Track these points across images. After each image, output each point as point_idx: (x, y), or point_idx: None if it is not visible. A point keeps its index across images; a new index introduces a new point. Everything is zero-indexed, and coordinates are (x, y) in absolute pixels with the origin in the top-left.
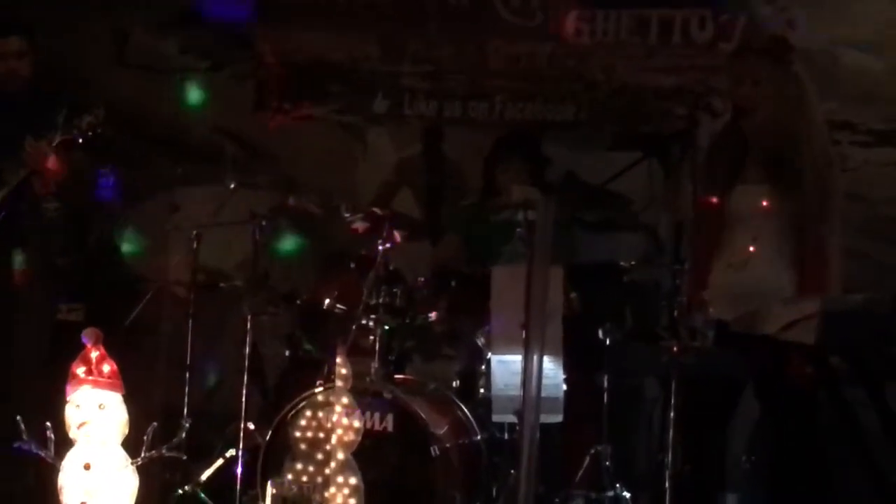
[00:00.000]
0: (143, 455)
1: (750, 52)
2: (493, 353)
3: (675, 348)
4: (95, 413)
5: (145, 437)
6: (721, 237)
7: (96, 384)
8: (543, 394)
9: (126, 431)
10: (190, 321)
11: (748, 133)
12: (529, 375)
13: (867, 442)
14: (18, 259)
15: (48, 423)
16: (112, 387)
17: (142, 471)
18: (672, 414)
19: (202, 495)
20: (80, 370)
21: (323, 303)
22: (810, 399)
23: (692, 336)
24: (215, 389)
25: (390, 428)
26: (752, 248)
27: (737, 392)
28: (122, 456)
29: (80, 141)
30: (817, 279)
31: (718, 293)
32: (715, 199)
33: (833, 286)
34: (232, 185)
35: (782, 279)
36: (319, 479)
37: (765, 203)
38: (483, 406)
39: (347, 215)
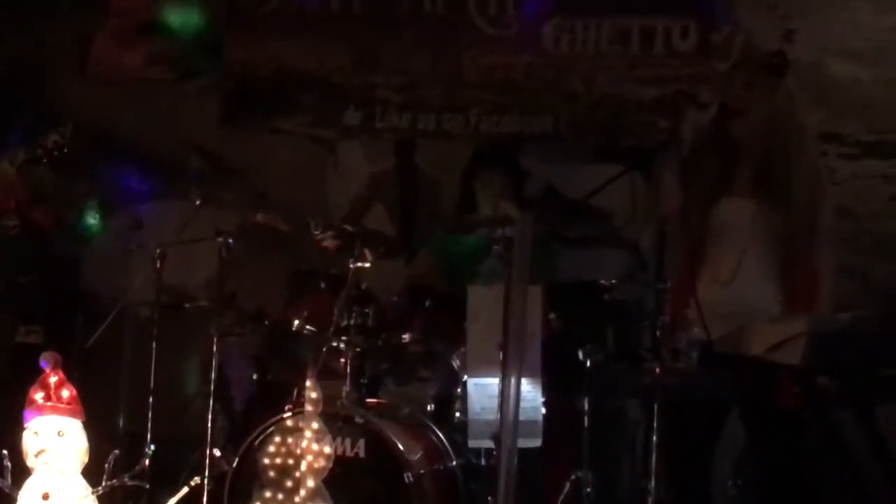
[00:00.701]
0: (104, 484)
1: (746, 66)
2: (469, 376)
3: (657, 370)
4: (54, 440)
5: (106, 465)
6: (705, 252)
7: (55, 410)
8: (522, 417)
9: (86, 459)
10: (153, 343)
11: (737, 138)
12: (507, 398)
13: (856, 464)
14: None
15: (4, 451)
16: (72, 413)
17: (103, 500)
18: (655, 437)
19: None
20: (39, 396)
21: (292, 324)
22: (797, 421)
23: (675, 357)
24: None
25: (362, 454)
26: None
27: (723, 414)
28: (83, 485)
29: (45, 160)
30: (806, 296)
31: (704, 312)
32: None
33: (823, 303)
34: (197, 201)
35: (769, 296)
36: None
37: (752, 218)
38: (459, 430)
39: (317, 232)
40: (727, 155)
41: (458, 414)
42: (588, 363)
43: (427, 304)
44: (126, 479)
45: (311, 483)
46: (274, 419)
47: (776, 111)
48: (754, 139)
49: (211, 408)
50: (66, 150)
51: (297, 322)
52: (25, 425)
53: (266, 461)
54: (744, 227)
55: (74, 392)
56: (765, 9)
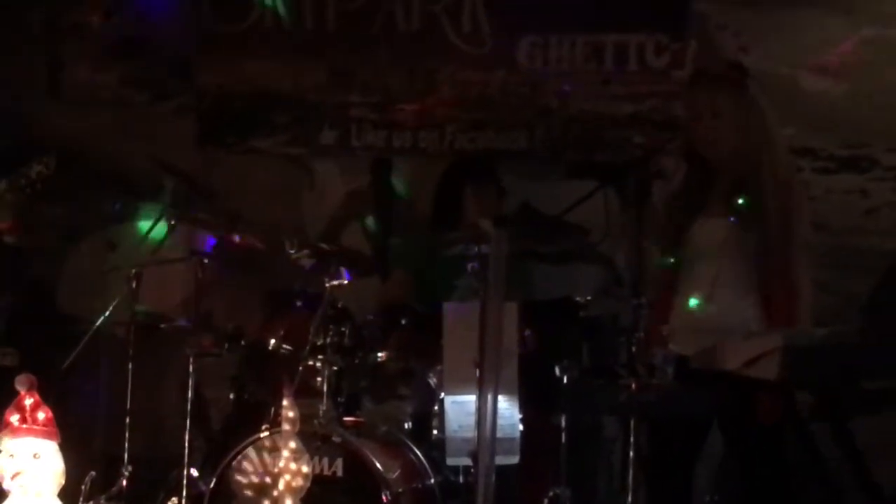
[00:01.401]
0: None
1: (705, 79)
2: (446, 394)
3: (633, 386)
4: (30, 463)
5: (83, 487)
6: (682, 270)
7: (30, 432)
8: (499, 434)
9: (63, 481)
10: (130, 364)
11: (713, 167)
12: (484, 416)
13: (834, 478)
14: None
15: None
16: (47, 435)
17: None
18: (632, 454)
19: None
20: (14, 418)
21: (269, 343)
22: (776, 435)
23: (651, 373)
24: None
25: (340, 473)
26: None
27: (700, 430)
28: None
29: (29, 192)
30: (786, 313)
31: (681, 328)
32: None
33: (804, 320)
34: (172, 222)
35: (747, 314)
36: None
37: (729, 236)
38: (437, 448)
39: (293, 251)
40: (700, 180)
41: (435, 432)
42: (565, 379)
43: (403, 321)
44: (103, 501)
45: (288, 502)
46: (251, 438)
47: (747, 129)
48: (726, 161)
49: (188, 428)
50: (50, 181)
51: (273, 341)
52: (0, 448)
53: (243, 481)
54: (720, 247)
55: (50, 414)
56: (735, 23)
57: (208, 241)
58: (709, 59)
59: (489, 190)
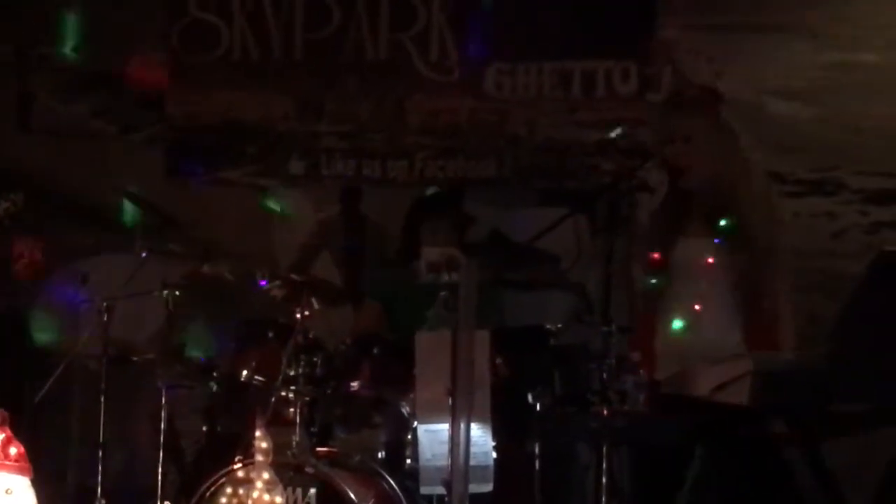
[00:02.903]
0: None
1: (678, 105)
2: (419, 422)
3: (605, 412)
4: (2, 498)
5: None
6: (665, 294)
7: (2, 468)
8: (472, 462)
9: None
10: (102, 397)
11: (687, 191)
12: (457, 444)
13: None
14: None
15: None
16: (19, 470)
17: None
18: (605, 480)
19: None
20: None
21: (241, 374)
22: (747, 459)
23: (622, 399)
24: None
25: (313, 503)
26: (697, 307)
27: (673, 455)
28: None
29: None
30: (768, 338)
31: (666, 354)
32: (658, 256)
33: (785, 343)
34: (143, 254)
35: (733, 340)
36: None
37: (710, 259)
38: (410, 477)
39: (264, 283)
40: (678, 203)
41: (409, 460)
42: (537, 407)
43: (375, 351)
44: None
45: None
46: (224, 470)
47: (719, 155)
48: (704, 187)
49: (161, 460)
50: (18, 219)
51: (245, 372)
52: None
53: None
54: (703, 268)
55: (22, 449)
56: (700, 50)
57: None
58: (680, 85)
59: (443, 223)
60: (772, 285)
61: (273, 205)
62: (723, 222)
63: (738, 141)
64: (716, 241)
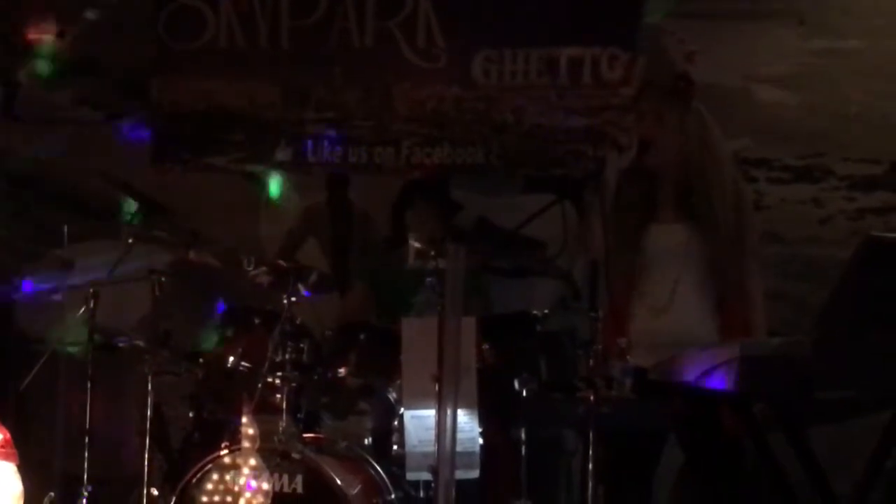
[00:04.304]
0: None
1: (653, 90)
2: (405, 409)
3: (591, 398)
4: None
5: None
6: (639, 280)
7: None
8: (459, 448)
9: (22, 503)
10: (88, 383)
11: (654, 169)
12: (444, 430)
13: (792, 489)
14: None
15: None
16: (6, 456)
17: None
18: (591, 466)
19: None
20: None
21: (227, 361)
22: (734, 446)
23: (609, 385)
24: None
25: (300, 489)
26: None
27: (659, 441)
28: None
29: None
30: (741, 323)
31: (640, 340)
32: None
33: (758, 329)
34: (129, 240)
35: (707, 324)
36: None
37: (682, 245)
38: (397, 463)
39: (250, 268)
40: (646, 185)
41: (395, 447)
42: (524, 393)
43: (362, 337)
44: None
45: None
46: (211, 457)
47: (688, 137)
48: (669, 167)
49: (147, 447)
50: None
51: (232, 359)
52: None
53: (204, 499)
54: (676, 254)
55: (8, 435)
56: (688, 35)
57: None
58: (658, 72)
59: (429, 210)
60: (742, 271)
61: (268, 189)
62: (695, 208)
63: (707, 126)
64: (689, 225)
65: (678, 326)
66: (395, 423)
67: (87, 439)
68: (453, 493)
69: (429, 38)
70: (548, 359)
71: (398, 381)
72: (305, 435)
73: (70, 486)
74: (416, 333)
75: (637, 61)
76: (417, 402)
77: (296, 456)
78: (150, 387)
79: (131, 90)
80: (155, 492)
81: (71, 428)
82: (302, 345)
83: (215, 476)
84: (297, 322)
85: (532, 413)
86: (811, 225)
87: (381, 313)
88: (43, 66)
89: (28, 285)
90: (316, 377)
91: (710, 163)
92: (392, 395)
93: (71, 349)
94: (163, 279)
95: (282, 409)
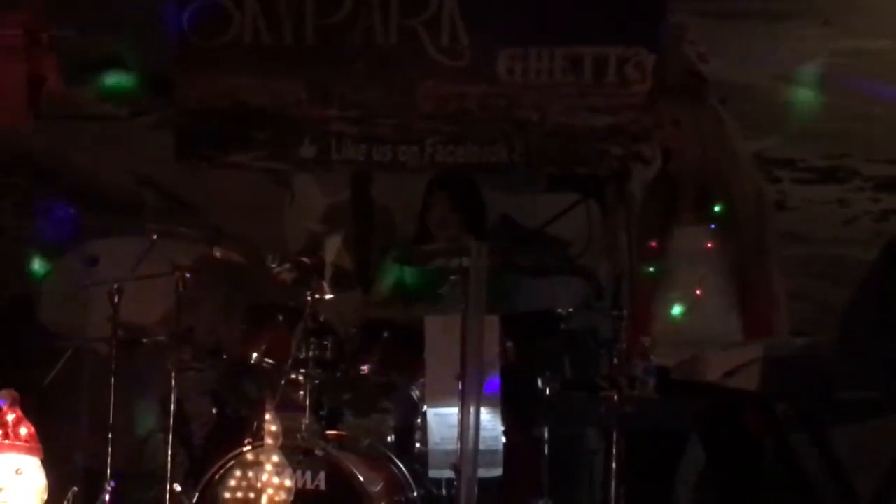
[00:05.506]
0: None
1: (668, 95)
2: (428, 406)
3: (614, 397)
4: (12, 479)
5: (66, 503)
6: (662, 282)
7: (13, 448)
8: (482, 447)
9: (45, 497)
10: (112, 379)
11: (676, 175)
12: (466, 428)
13: (814, 489)
14: None
15: None
16: (30, 450)
17: None
18: (614, 465)
19: None
20: None
21: (250, 357)
22: (756, 446)
23: (631, 384)
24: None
25: (323, 486)
26: (696, 294)
27: (681, 441)
28: None
29: None
30: (764, 322)
31: (664, 340)
32: (654, 244)
33: (780, 328)
34: (153, 236)
35: (731, 324)
36: None
37: (707, 244)
38: (419, 461)
39: (274, 265)
40: (669, 191)
41: (418, 444)
42: (547, 392)
43: (385, 335)
44: None
45: None
46: (234, 453)
47: (705, 136)
48: (690, 170)
49: (170, 443)
50: None
51: (255, 356)
52: None
53: (227, 496)
54: (700, 255)
55: (32, 430)
56: (712, 35)
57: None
58: (674, 71)
59: (450, 207)
60: (764, 270)
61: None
62: (716, 208)
63: (725, 128)
64: (710, 227)
65: (702, 326)
66: (418, 420)
67: (109, 435)
68: (475, 491)
69: (453, 36)
70: (571, 357)
71: (421, 379)
72: (328, 432)
73: (93, 481)
74: (440, 332)
75: (649, 59)
76: (440, 400)
77: (318, 453)
78: (173, 383)
79: (156, 87)
80: (177, 487)
81: (94, 423)
82: (325, 342)
83: (238, 472)
84: (321, 319)
85: (555, 412)
86: (835, 225)
87: (403, 311)
88: (67, 63)
89: None
90: (339, 374)
91: (728, 160)
92: (415, 393)
93: (95, 345)
94: (187, 275)
95: (304, 406)
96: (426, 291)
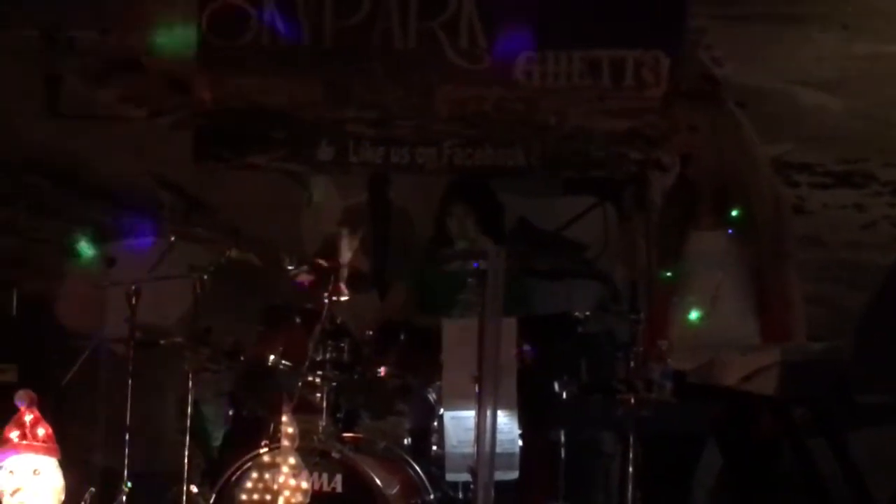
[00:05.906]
0: None
1: (682, 100)
2: (445, 409)
3: (631, 401)
4: (30, 479)
5: (83, 503)
6: (680, 285)
7: (31, 448)
8: (498, 450)
9: (62, 498)
10: (129, 380)
11: (694, 180)
12: (483, 431)
13: (831, 493)
14: None
15: None
16: (47, 451)
17: None
18: (631, 469)
19: None
20: (14, 434)
21: (267, 359)
22: (773, 450)
23: (648, 388)
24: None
25: (339, 489)
26: (713, 298)
27: (698, 444)
28: None
29: None
30: (781, 326)
31: (682, 343)
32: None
33: (798, 332)
34: (171, 238)
35: (748, 328)
36: None
37: (724, 250)
38: (436, 464)
39: (291, 268)
40: (686, 194)
41: (434, 447)
42: (563, 395)
43: (402, 337)
44: None
45: None
46: (250, 455)
47: (721, 139)
48: (707, 174)
49: (187, 444)
50: None
51: (272, 357)
52: (1, 464)
53: (243, 497)
54: (717, 259)
55: (50, 430)
56: (730, 39)
57: None
58: (688, 74)
59: (468, 210)
60: (782, 274)
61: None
62: (734, 213)
63: (742, 131)
64: (728, 231)
65: (719, 330)
66: (435, 423)
67: (127, 436)
68: (492, 493)
69: (471, 39)
70: (588, 360)
71: (437, 382)
72: (344, 434)
73: (110, 481)
74: (457, 334)
75: (665, 63)
76: (457, 403)
77: (335, 455)
78: (190, 384)
79: (174, 88)
80: (194, 489)
81: (111, 424)
82: (342, 344)
83: (254, 474)
84: (338, 321)
85: (571, 415)
86: (853, 230)
87: (420, 314)
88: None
89: None
90: (355, 377)
91: (745, 163)
92: (431, 396)
93: (112, 346)
94: (204, 277)
95: (321, 409)
96: (440, 299)
